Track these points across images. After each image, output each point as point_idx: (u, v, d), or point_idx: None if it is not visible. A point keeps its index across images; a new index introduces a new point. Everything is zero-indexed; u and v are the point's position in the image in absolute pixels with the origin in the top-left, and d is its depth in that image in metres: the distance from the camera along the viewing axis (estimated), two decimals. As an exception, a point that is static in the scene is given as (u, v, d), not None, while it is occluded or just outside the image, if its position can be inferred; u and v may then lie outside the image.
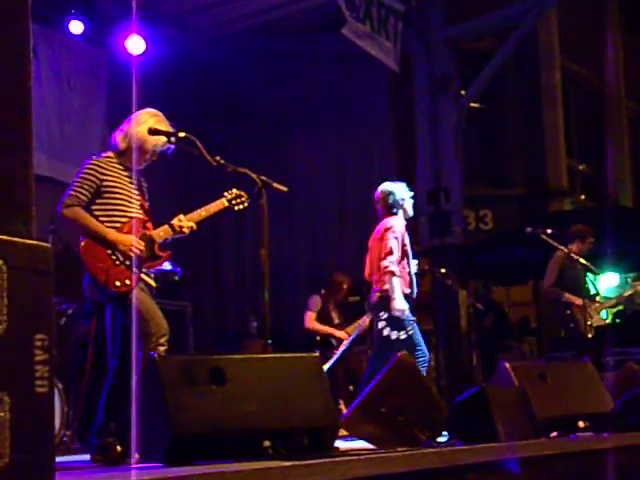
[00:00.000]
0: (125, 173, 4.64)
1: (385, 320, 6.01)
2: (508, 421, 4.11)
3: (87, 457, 4.55)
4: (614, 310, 10.01)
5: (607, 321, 8.40)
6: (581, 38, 15.30)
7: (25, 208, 2.21)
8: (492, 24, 11.23)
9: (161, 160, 4.86)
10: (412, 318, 6.07)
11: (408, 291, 6.12)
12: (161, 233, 4.65)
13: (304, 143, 10.78)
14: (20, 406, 2.01)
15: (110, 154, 4.66)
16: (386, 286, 6.01)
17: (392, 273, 5.97)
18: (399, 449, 3.63)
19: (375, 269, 6.20)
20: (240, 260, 10.27)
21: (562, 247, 7.59)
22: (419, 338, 6.11)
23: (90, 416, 5.05)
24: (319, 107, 10.75)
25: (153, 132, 4.57)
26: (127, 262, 4.46)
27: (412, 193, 6.42)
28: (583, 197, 16.08)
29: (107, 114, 9.02)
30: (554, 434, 4.43)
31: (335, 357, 7.31)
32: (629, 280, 12.43)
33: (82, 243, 4.45)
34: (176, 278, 7.66)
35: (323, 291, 8.35)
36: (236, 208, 4.84)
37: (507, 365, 4.64)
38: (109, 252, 4.45)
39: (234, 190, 4.86)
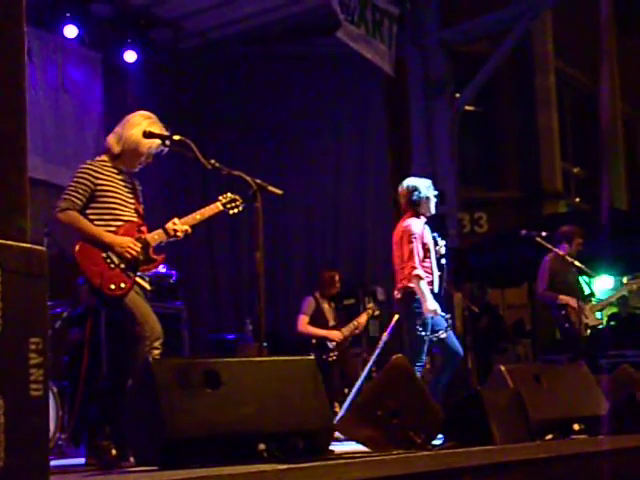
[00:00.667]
0: (119, 177, 4.63)
1: (420, 325, 6.05)
2: (503, 424, 4.11)
3: (82, 460, 4.54)
4: (609, 312, 10.03)
5: (602, 321, 8.42)
6: (576, 41, 15.33)
7: (20, 211, 2.21)
8: (486, 27, 11.26)
9: (156, 163, 4.85)
10: (447, 316, 6.14)
11: (435, 290, 6.21)
12: (155, 237, 4.64)
13: (300, 146, 10.77)
14: (14, 410, 2.00)
15: (104, 158, 4.65)
16: (410, 284, 6.09)
17: (418, 277, 6.05)
18: (394, 452, 3.62)
19: (398, 268, 6.28)
20: (235, 263, 10.25)
21: (557, 250, 7.60)
22: (453, 339, 6.21)
23: (85, 419, 5.05)
24: (314, 111, 10.75)
25: (147, 135, 4.55)
26: (122, 265, 4.46)
27: (436, 192, 6.47)
28: (578, 200, 16.12)
29: (102, 117, 9.01)
30: (549, 437, 4.43)
31: (373, 357, 7.09)
32: (623, 282, 12.44)
33: (77, 246, 4.45)
34: (171, 281, 7.66)
35: (317, 293, 8.33)
36: (231, 212, 4.83)
37: (502, 368, 4.64)
38: (104, 255, 4.44)
39: (229, 194, 4.85)
